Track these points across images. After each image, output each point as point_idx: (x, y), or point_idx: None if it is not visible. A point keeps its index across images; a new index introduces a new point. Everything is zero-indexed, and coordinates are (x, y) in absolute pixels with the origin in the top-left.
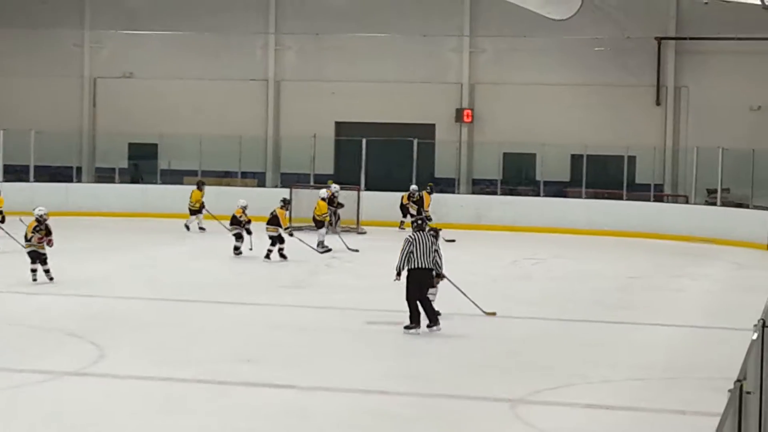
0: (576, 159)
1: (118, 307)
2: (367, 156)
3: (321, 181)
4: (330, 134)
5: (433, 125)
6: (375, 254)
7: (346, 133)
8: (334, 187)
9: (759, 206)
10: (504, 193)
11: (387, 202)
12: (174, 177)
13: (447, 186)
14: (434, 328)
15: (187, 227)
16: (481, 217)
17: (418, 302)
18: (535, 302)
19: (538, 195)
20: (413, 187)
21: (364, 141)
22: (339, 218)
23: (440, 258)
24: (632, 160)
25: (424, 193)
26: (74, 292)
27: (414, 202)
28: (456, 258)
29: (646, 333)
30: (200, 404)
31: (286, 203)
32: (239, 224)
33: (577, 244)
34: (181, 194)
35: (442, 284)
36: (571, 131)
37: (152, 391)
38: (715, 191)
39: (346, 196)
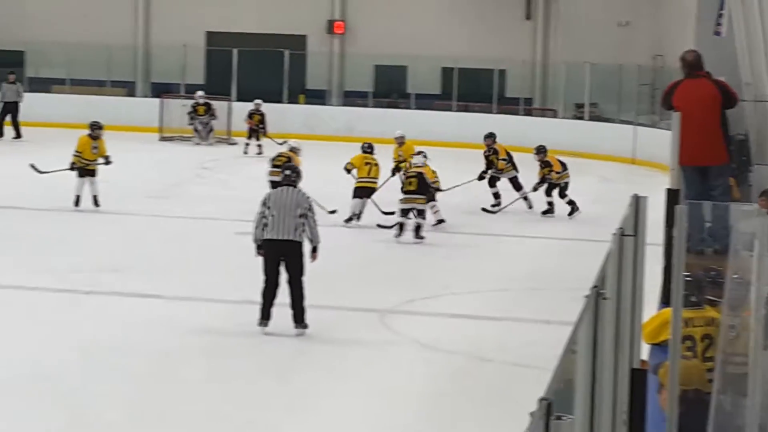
0: (447, 72)
1: None
2: (238, 67)
3: (191, 91)
4: (201, 44)
5: (305, 36)
6: (245, 165)
7: (217, 44)
8: (199, 93)
9: (625, 121)
10: (375, 106)
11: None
12: (42, 85)
13: (319, 98)
14: (298, 330)
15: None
16: (352, 129)
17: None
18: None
19: (408, 108)
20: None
21: (235, 51)
22: (212, 129)
23: (312, 221)
24: (502, 73)
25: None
26: None
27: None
28: (326, 170)
29: (512, 244)
30: (64, 314)
31: None
32: None
33: (446, 157)
34: (48, 102)
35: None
36: (443, 44)
37: (17, 300)
38: (583, 106)
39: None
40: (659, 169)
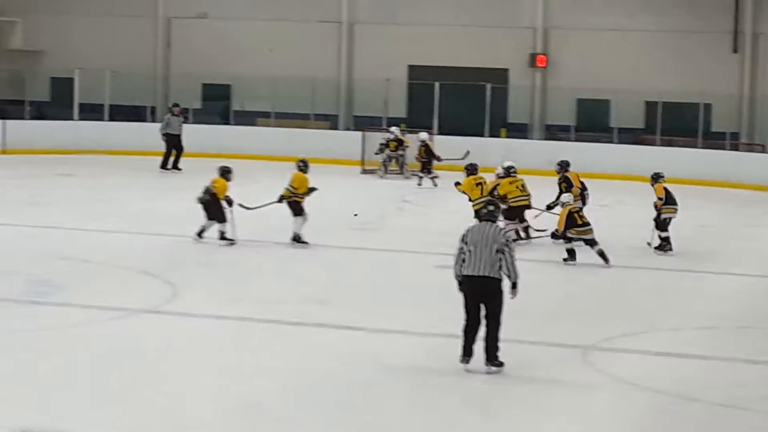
0: (650, 106)
1: (191, 246)
2: (439, 100)
3: (394, 124)
4: (403, 77)
5: (507, 70)
6: (445, 198)
7: (419, 77)
8: (393, 128)
9: None
10: (577, 140)
11: (460, 147)
12: (247, 118)
13: (520, 131)
14: (489, 367)
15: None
16: (552, 163)
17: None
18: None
19: (611, 142)
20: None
21: (436, 85)
22: (404, 163)
23: (509, 257)
24: (708, 107)
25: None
26: (146, 230)
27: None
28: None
29: (718, 282)
30: (270, 344)
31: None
32: None
33: (649, 192)
34: (253, 135)
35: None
36: (646, 78)
37: (224, 330)
38: None
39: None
40: None
